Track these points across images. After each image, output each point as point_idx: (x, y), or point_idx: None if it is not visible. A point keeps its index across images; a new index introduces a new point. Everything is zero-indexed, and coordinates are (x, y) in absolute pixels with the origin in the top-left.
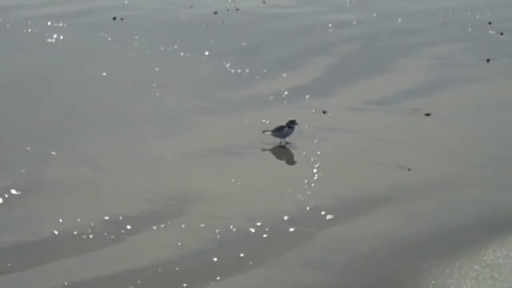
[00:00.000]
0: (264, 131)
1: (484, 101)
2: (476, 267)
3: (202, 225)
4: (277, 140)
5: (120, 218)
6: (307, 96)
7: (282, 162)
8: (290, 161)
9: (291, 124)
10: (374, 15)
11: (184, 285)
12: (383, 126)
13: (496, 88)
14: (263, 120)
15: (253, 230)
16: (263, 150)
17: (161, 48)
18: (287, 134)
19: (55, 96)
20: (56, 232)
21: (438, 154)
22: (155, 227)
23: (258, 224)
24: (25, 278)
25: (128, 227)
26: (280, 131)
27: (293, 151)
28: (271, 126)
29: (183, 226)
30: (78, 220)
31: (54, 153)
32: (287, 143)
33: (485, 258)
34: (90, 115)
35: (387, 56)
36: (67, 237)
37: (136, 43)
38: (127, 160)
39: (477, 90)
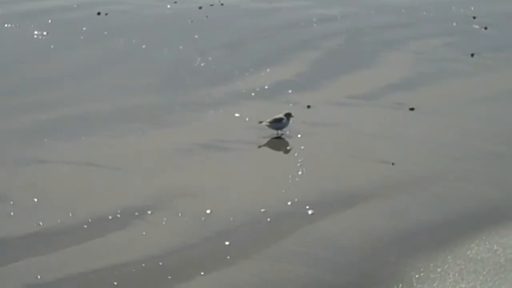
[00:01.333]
0: (260, 122)
1: (469, 95)
2: (459, 261)
3: (186, 220)
4: (269, 133)
5: (103, 213)
6: (290, 91)
7: (266, 157)
8: (274, 155)
9: (288, 116)
10: (358, 9)
11: (168, 280)
12: (367, 120)
13: (480, 83)
14: (243, 117)
15: (236, 225)
16: (248, 144)
17: (144, 43)
18: (285, 126)
19: (36, 92)
20: (38, 228)
21: (422, 149)
22: (138, 222)
23: (241, 218)
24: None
25: (111, 222)
26: (279, 123)
27: (277, 145)
28: (251, 121)
29: (166, 221)
30: (61, 215)
31: (42, 148)
32: (284, 133)
33: (469, 252)
34: (71, 112)
35: (371, 51)
36: (48, 232)
37: (119, 38)
38: (109, 156)
39: (462, 85)
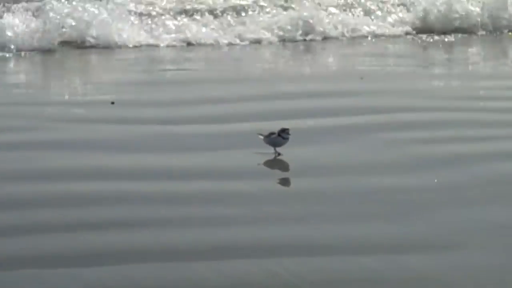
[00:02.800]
0: (258, 134)
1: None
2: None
3: (185, 225)
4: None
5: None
6: None
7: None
8: (270, 164)
9: (282, 132)
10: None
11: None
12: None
13: None
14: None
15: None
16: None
17: None
18: (277, 142)
19: None
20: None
21: (420, 172)
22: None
23: (241, 221)
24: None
25: (119, 226)
26: (268, 138)
27: (273, 155)
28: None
29: (168, 225)
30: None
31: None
32: (278, 154)
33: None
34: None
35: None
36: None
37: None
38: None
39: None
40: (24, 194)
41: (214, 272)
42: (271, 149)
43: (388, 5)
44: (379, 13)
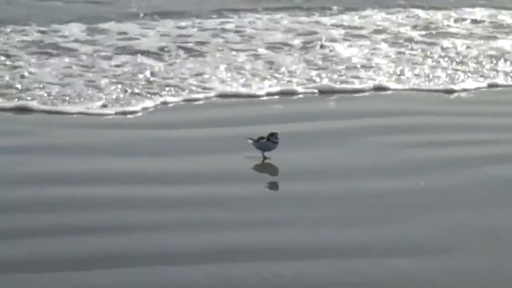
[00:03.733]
0: (248, 138)
1: None
2: None
3: (176, 229)
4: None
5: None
6: None
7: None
8: (260, 168)
9: (271, 137)
10: None
11: None
12: None
13: None
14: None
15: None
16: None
17: None
18: (266, 147)
19: None
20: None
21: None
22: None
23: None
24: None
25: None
26: (258, 143)
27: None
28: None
29: (160, 228)
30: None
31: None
32: (265, 158)
33: None
34: None
35: None
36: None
37: None
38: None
39: None
40: (14, 199)
41: (204, 275)
42: (261, 153)
43: None
44: None
